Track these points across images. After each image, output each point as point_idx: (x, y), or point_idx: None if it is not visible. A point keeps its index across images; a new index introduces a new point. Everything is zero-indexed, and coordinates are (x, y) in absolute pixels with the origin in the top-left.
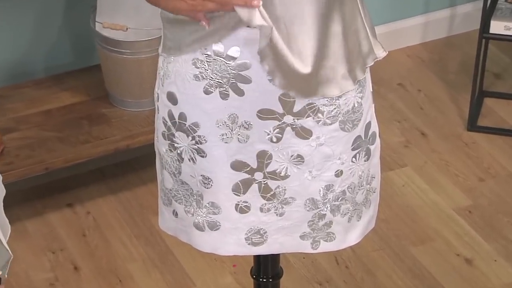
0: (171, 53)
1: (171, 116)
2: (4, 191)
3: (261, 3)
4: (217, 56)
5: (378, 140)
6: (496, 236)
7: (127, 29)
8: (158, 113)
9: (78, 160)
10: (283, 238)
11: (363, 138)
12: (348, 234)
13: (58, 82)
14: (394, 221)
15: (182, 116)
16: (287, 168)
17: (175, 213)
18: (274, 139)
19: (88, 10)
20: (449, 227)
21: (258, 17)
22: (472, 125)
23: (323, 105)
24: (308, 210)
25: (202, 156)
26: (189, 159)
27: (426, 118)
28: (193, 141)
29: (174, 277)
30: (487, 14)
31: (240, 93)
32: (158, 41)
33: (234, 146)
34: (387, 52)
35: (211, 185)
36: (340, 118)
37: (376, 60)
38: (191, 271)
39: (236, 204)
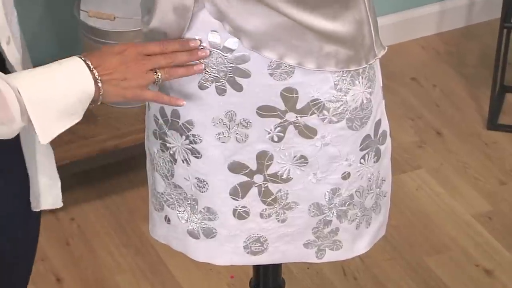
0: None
1: (163, 113)
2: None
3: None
4: (213, 48)
5: (389, 139)
6: None
7: (114, 18)
8: (149, 110)
9: (61, 161)
10: (285, 247)
11: (372, 137)
12: (356, 242)
13: None
14: (406, 228)
15: (175, 113)
16: (289, 170)
17: (168, 219)
18: (276, 139)
19: None
20: (467, 235)
21: None
22: (493, 123)
23: (329, 101)
24: (312, 216)
25: (197, 157)
26: (182, 160)
27: (442, 116)
28: (187, 141)
29: None
30: (509, 2)
31: (238, 88)
32: None
33: (232, 146)
34: (386, 49)
35: (207, 189)
36: (347, 116)
37: (376, 58)
38: (185, 283)
39: (234, 209)
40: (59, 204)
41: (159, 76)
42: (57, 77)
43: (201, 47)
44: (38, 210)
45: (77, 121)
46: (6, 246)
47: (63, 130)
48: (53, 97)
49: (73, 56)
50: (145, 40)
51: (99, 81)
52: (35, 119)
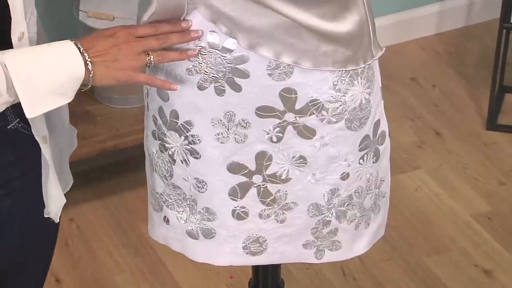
0: None
1: (161, 113)
2: (76, 144)
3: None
4: (212, 48)
5: (388, 140)
6: None
7: (114, 18)
8: (148, 110)
9: None
10: (284, 247)
11: (371, 137)
12: (355, 243)
13: None
14: (406, 228)
15: (173, 114)
16: (288, 170)
17: (167, 220)
18: (274, 139)
19: None
20: (467, 235)
21: None
22: (492, 124)
23: (328, 101)
24: (311, 216)
25: (196, 158)
26: (181, 161)
27: (442, 116)
28: (186, 141)
29: None
30: (508, 2)
31: (237, 88)
32: None
33: (231, 146)
34: (383, 50)
35: (206, 189)
36: (346, 116)
37: (374, 59)
38: (184, 283)
39: (233, 209)
40: (56, 220)
41: (152, 59)
42: (46, 56)
43: (200, 47)
44: (45, 216)
45: (68, 101)
46: (20, 243)
47: (52, 107)
48: (41, 75)
49: (65, 40)
50: None
51: (89, 63)
52: (21, 94)
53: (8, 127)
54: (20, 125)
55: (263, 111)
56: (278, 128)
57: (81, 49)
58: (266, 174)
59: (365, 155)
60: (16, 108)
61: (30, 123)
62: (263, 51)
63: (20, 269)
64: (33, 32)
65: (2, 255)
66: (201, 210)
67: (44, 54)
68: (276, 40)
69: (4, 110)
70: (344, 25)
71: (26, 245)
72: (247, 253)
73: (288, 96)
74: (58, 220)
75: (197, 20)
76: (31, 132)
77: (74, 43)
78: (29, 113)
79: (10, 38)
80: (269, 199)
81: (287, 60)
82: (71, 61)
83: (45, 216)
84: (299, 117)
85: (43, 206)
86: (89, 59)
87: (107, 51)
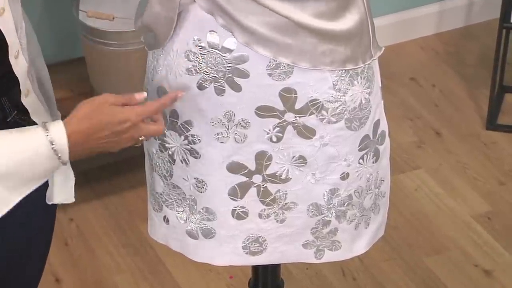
0: (150, 48)
1: (161, 113)
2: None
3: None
4: (212, 48)
5: (387, 140)
6: None
7: (113, 18)
8: None
9: None
10: (284, 247)
11: (371, 137)
12: (355, 243)
13: None
14: (405, 228)
15: (173, 114)
16: (288, 170)
17: (166, 220)
18: (274, 139)
19: None
20: (466, 235)
21: None
22: (492, 124)
23: (328, 101)
24: (311, 216)
25: (196, 157)
26: (181, 161)
27: (441, 116)
28: (186, 141)
29: None
30: (508, 2)
31: (237, 88)
32: None
33: (231, 146)
34: (382, 50)
35: (206, 189)
36: (346, 116)
37: (372, 59)
38: (184, 283)
39: (232, 209)
40: (71, 199)
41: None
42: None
43: (200, 47)
44: (50, 203)
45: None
46: (22, 235)
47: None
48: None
49: (38, 129)
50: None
51: (60, 158)
52: None
53: (8, 119)
54: (18, 117)
55: (263, 111)
56: (278, 128)
57: (54, 147)
58: (266, 174)
59: (365, 155)
60: (13, 100)
61: (28, 109)
62: (260, 49)
63: (18, 269)
64: (24, 44)
65: (1, 255)
66: (201, 210)
67: (12, 147)
68: (273, 39)
69: (2, 103)
70: (345, 23)
71: (24, 244)
72: (247, 253)
73: (288, 96)
74: (73, 200)
75: (196, 17)
76: (30, 123)
77: (50, 141)
78: None
79: (8, 59)
80: (269, 199)
81: (285, 60)
82: (40, 160)
83: (48, 202)
84: (299, 117)
85: (43, 203)
86: (60, 155)
87: (93, 149)
